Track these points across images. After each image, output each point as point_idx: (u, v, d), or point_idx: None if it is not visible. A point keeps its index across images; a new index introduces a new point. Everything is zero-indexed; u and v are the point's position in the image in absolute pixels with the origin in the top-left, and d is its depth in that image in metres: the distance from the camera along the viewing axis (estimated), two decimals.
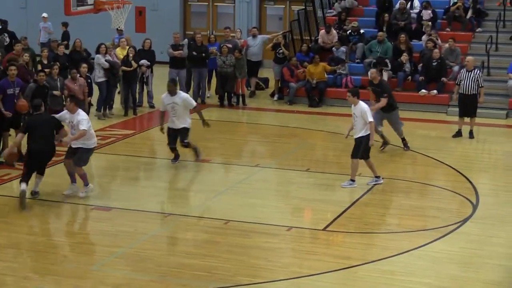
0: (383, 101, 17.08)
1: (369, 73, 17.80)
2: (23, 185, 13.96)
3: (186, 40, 23.63)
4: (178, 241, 12.59)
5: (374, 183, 15.37)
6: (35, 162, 14.22)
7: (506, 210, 14.24)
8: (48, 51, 20.75)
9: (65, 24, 26.28)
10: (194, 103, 16.70)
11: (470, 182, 15.74)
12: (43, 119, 14.38)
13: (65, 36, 25.83)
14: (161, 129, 16.69)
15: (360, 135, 15.06)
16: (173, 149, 16.67)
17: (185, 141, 16.43)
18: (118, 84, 21.41)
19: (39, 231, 13.21)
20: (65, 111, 14.70)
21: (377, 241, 12.79)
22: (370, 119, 14.94)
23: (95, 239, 12.82)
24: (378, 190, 15.22)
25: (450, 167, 16.84)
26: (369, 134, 15.01)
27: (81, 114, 14.39)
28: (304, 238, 12.88)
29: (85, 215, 14.00)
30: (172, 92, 16.34)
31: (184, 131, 16.41)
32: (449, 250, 12.32)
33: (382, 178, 15.45)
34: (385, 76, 22.73)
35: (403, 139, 18.06)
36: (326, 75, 23.15)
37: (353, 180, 15.28)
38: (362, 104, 15.11)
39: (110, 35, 23.85)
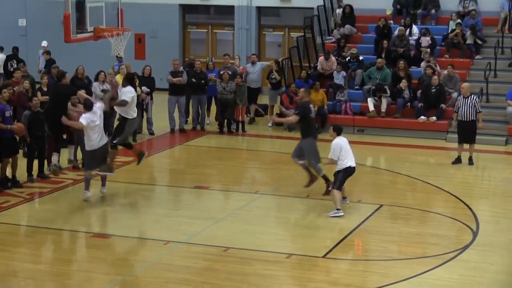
0: (293, 117, 16.65)
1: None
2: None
3: (181, 67, 23.67)
4: (177, 269, 12.54)
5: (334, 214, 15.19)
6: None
7: (507, 237, 14.21)
8: (48, 78, 20.78)
9: (48, 53, 26.36)
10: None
11: (470, 208, 15.73)
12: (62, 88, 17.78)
13: (51, 63, 25.86)
14: None
15: (337, 169, 15.33)
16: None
17: (114, 141, 16.20)
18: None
19: (38, 258, 13.16)
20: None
21: (377, 268, 12.74)
22: (329, 155, 15.24)
23: (94, 266, 12.76)
24: (378, 217, 15.20)
25: (450, 193, 16.83)
26: (344, 168, 15.16)
27: (84, 114, 15.52)
28: (304, 265, 12.84)
29: (85, 243, 13.95)
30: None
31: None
32: (449, 277, 12.28)
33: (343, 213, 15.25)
34: (384, 103, 22.83)
35: (325, 179, 16.27)
36: (326, 102, 23.20)
37: (338, 209, 15.24)
38: (334, 140, 15.35)
39: (110, 62, 23.92)
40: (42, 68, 26.59)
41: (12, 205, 15.61)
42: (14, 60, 25.04)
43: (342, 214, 15.07)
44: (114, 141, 16.15)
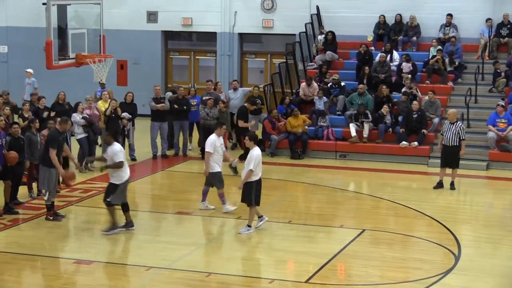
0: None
1: None
2: None
3: (169, 93, 23.64)
4: None
5: (246, 231, 15.64)
6: None
7: (488, 261, 14.25)
8: (29, 104, 20.75)
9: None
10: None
11: (452, 233, 15.76)
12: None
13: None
14: None
15: (248, 180, 15.48)
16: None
17: (107, 199, 15.44)
18: (99, 137, 21.44)
19: (19, 285, 13.04)
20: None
21: None
22: (249, 167, 15.33)
23: None
24: (360, 242, 15.20)
25: (432, 218, 16.86)
26: (256, 180, 15.47)
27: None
28: None
29: (66, 269, 13.85)
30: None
31: (109, 187, 15.60)
32: None
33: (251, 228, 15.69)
34: (366, 128, 22.91)
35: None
36: (307, 127, 23.27)
37: (249, 226, 15.67)
38: (254, 151, 15.49)
39: (92, 88, 23.92)
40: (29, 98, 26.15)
41: None
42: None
43: (252, 230, 15.59)
44: (108, 199, 15.47)
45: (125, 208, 15.68)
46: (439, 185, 19.39)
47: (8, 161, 16.40)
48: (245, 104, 21.77)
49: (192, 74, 29.83)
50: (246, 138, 15.92)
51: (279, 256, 14.54)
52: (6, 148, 16.57)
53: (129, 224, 15.70)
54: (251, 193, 15.45)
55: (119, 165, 15.32)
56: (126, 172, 15.52)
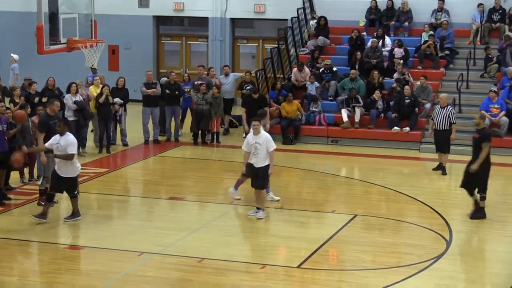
0: None
1: None
2: None
3: (164, 78, 23.49)
4: (151, 280, 12.49)
5: (254, 213, 15.71)
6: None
7: (479, 246, 14.32)
8: (20, 89, 20.69)
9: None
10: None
11: (443, 218, 15.81)
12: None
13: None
14: None
15: (265, 164, 15.49)
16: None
17: (75, 192, 15.18)
18: (91, 122, 21.40)
19: (11, 271, 13.04)
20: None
21: (351, 278, 12.76)
22: (274, 146, 15.50)
23: (67, 278, 12.67)
24: (352, 227, 15.24)
25: (423, 203, 16.91)
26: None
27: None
28: (279, 275, 12.84)
29: (57, 254, 13.83)
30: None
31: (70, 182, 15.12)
32: (423, 286, 12.34)
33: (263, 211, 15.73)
34: (358, 113, 22.92)
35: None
36: (299, 113, 23.28)
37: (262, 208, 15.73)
38: (265, 133, 15.62)
39: (84, 74, 23.85)
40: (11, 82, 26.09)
41: None
42: None
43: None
44: (76, 192, 15.25)
45: (50, 198, 15.23)
46: (438, 167, 19.49)
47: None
48: (250, 94, 21.84)
49: (184, 59, 29.77)
50: (257, 123, 15.66)
51: (271, 242, 14.57)
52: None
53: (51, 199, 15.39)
54: (267, 176, 15.56)
55: (70, 157, 14.76)
56: (78, 163, 15.26)
